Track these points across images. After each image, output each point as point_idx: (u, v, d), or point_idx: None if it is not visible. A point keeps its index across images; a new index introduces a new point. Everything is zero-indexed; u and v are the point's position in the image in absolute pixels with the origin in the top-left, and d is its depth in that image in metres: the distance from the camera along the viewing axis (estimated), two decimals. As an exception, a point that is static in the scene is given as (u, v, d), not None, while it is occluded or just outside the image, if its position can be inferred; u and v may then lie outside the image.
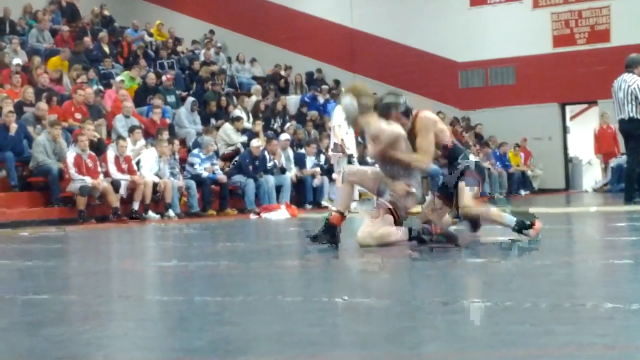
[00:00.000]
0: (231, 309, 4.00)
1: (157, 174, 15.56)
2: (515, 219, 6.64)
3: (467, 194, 6.83)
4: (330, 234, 6.90)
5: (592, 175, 24.92)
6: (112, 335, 3.43)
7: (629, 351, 2.69)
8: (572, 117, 26.07)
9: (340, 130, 16.14)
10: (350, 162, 15.29)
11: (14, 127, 14.62)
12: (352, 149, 16.28)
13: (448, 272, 5.25)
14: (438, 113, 24.07)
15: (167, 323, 3.74)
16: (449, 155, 7.10)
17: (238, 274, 5.62)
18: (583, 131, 25.55)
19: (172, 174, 15.92)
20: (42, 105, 15.67)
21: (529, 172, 23.86)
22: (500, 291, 4.19)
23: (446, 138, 7.09)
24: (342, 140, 15.99)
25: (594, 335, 2.97)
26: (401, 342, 3.04)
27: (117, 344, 3.25)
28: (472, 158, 7.11)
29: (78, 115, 16.28)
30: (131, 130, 16.30)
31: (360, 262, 5.70)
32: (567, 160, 24.71)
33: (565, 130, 24.70)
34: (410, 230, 6.88)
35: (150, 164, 15.61)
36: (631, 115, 12.64)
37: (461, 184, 6.90)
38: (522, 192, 23.00)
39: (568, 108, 24.97)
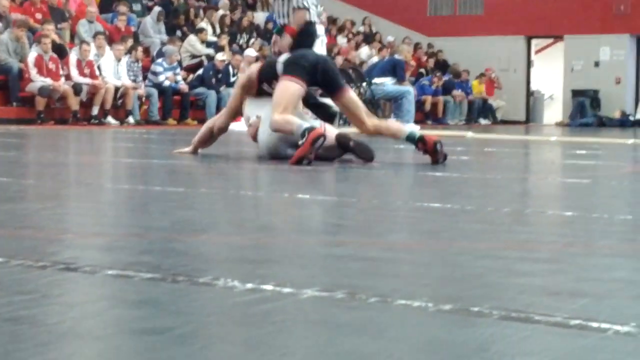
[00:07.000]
0: (193, 198, 3.98)
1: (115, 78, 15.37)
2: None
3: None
4: None
5: (553, 109, 25.06)
6: (71, 213, 3.41)
7: (590, 250, 2.71)
8: (537, 52, 26.08)
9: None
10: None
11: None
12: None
13: (410, 181, 5.26)
14: (404, 39, 24.06)
15: (128, 206, 3.72)
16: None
17: (200, 172, 5.60)
18: (547, 66, 25.60)
19: (134, 82, 15.74)
20: (4, 1, 15.31)
21: (492, 102, 23.78)
22: (462, 198, 4.20)
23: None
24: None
25: (555, 235, 3.00)
26: (365, 232, 3.04)
27: (77, 220, 3.22)
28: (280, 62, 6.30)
29: (38, 16, 15.94)
30: (95, 36, 16.00)
31: (325, 168, 5.65)
32: (529, 93, 24.78)
33: (529, 64, 24.72)
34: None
35: (110, 69, 15.40)
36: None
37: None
38: (482, 121, 22.99)
39: (534, 42, 24.95)
